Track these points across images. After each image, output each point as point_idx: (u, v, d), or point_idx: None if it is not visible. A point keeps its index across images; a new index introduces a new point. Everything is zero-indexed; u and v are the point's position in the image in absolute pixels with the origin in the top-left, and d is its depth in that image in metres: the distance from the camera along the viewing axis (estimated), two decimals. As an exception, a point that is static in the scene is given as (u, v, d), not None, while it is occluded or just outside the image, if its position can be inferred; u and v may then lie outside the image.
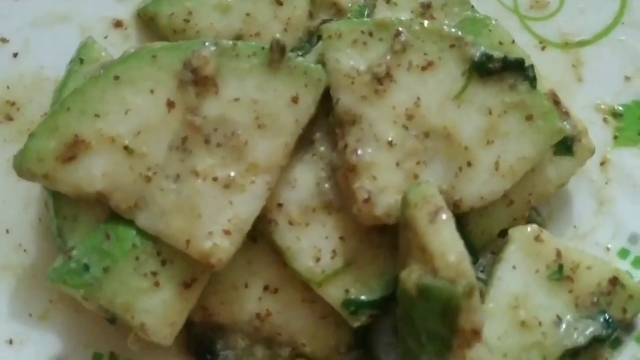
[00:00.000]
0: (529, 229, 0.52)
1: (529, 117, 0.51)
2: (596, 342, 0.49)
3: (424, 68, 0.51)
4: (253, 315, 0.53)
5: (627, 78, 0.62)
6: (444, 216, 0.44)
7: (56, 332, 0.54)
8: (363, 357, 0.52)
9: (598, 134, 0.59)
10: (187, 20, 0.56)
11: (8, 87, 0.58)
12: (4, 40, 0.59)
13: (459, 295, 0.41)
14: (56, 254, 0.52)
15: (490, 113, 0.51)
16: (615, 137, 0.61)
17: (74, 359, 0.53)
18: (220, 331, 0.53)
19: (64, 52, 0.57)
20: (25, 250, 0.56)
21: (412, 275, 0.44)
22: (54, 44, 0.59)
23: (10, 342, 0.53)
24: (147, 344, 0.51)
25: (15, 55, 0.59)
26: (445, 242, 0.43)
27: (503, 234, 0.53)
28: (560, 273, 0.50)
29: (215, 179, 0.49)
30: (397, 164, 0.50)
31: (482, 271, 0.52)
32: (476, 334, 0.42)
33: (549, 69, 0.59)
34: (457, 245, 0.43)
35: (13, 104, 0.58)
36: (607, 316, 0.50)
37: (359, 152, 0.50)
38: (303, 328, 0.53)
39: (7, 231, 0.56)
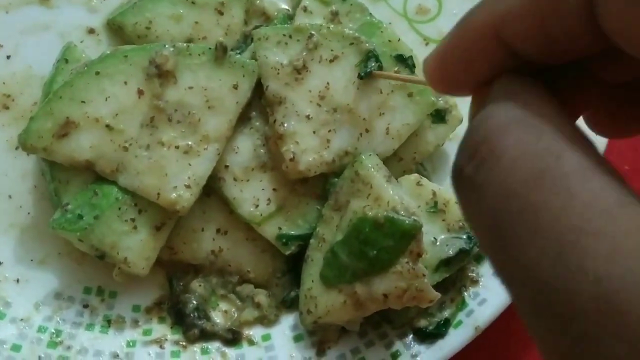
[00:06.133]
0: (412, 177, 0.67)
1: (410, 94, 0.67)
2: (462, 253, 0.65)
3: (331, 61, 0.67)
4: (209, 252, 0.68)
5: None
6: (394, 179, 0.63)
7: (53, 273, 0.67)
8: (293, 279, 0.68)
9: (466, 107, 0.75)
10: (148, 28, 0.69)
11: (4, 83, 0.71)
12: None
13: (418, 228, 0.59)
14: (51, 212, 0.66)
15: (381, 92, 0.67)
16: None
17: (69, 292, 0.67)
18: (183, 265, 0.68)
19: (47, 54, 0.70)
20: (29, 213, 0.69)
21: (370, 212, 0.60)
22: (39, 47, 0.71)
23: (17, 280, 0.67)
24: (127, 277, 0.66)
25: (8, 57, 0.72)
26: (400, 194, 0.61)
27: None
28: (435, 207, 0.66)
29: (177, 147, 0.65)
30: (314, 132, 0.66)
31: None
32: (420, 255, 0.60)
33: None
34: (407, 196, 0.61)
35: (9, 96, 0.71)
36: (469, 234, 0.65)
37: (285, 124, 0.66)
38: (248, 260, 0.68)
39: (10, 197, 0.69)
